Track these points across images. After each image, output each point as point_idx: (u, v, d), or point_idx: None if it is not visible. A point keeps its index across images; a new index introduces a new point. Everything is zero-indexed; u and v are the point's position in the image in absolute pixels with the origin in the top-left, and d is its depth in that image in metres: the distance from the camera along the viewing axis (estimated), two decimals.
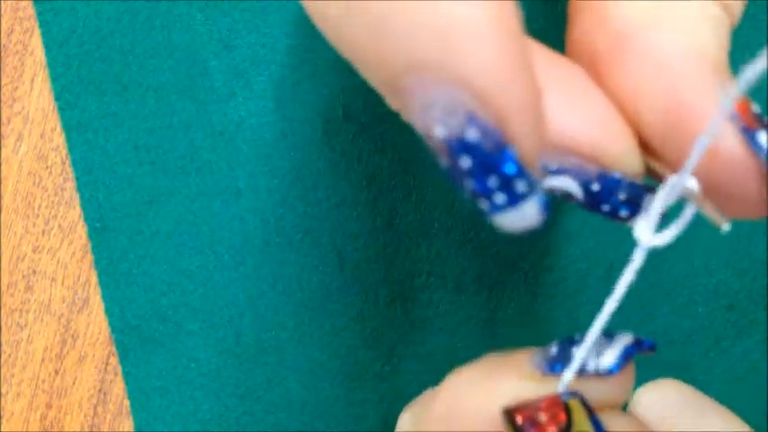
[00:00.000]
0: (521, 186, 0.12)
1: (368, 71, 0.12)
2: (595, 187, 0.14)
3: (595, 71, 0.15)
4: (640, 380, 0.26)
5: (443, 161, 0.12)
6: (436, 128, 0.11)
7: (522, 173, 0.12)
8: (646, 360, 0.26)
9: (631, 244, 0.26)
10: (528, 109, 0.11)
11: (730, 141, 0.13)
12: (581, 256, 0.26)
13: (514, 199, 0.12)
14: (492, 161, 0.11)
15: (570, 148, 0.14)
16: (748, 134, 0.13)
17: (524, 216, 0.12)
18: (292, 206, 0.26)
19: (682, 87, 0.14)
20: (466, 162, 0.11)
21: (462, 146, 0.11)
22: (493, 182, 0.12)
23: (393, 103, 0.13)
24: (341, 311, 0.26)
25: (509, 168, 0.11)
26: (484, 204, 0.12)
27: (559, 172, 0.14)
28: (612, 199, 0.14)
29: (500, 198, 0.12)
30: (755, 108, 0.14)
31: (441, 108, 0.11)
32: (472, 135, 0.11)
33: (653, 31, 0.14)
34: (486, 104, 0.11)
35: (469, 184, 0.12)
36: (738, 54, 0.26)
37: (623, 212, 0.14)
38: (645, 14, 0.14)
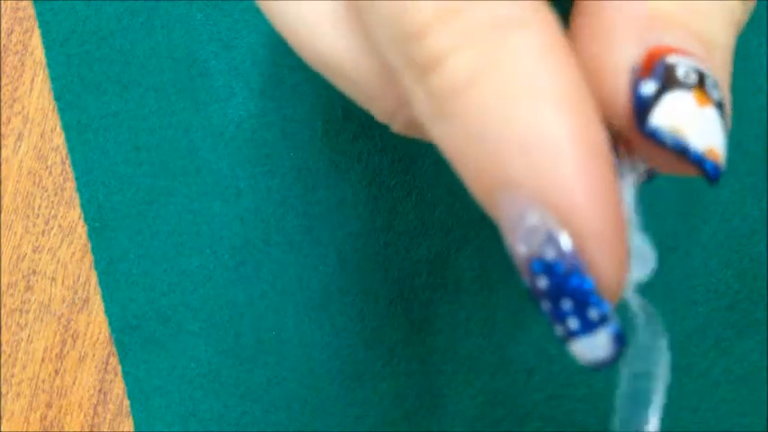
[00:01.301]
0: (593, 313, 0.12)
1: (466, 180, 0.13)
2: None
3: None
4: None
5: (526, 281, 0.12)
6: (518, 245, 0.12)
7: (595, 299, 0.12)
8: None
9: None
10: (606, 235, 0.11)
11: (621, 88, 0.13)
12: None
13: (588, 325, 0.12)
14: (566, 283, 0.12)
15: None
16: (637, 81, 0.13)
17: (595, 346, 0.12)
18: (292, 206, 0.26)
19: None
20: (543, 282, 0.12)
21: (540, 265, 0.11)
22: (567, 305, 0.12)
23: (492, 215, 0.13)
24: (341, 311, 0.26)
25: (582, 294, 0.11)
26: (559, 329, 0.12)
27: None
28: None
29: (573, 323, 0.12)
30: (672, 60, 0.13)
31: (525, 225, 0.11)
32: (550, 255, 0.11)
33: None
34: (564, 225, 0.11)
35: (545, 306, 0.12)
36: (738, 54, 0.26)
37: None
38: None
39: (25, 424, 0.26)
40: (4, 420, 0.26)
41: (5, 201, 0.27)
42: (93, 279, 0.27)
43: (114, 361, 0.26)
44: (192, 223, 0.26)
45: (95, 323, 0.27)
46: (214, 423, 0.26)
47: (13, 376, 0.26)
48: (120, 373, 0.26)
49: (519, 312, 0.26)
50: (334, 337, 0.26)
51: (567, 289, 0.12)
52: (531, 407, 0.26)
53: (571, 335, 0.12)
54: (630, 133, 0.13)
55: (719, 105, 0.13)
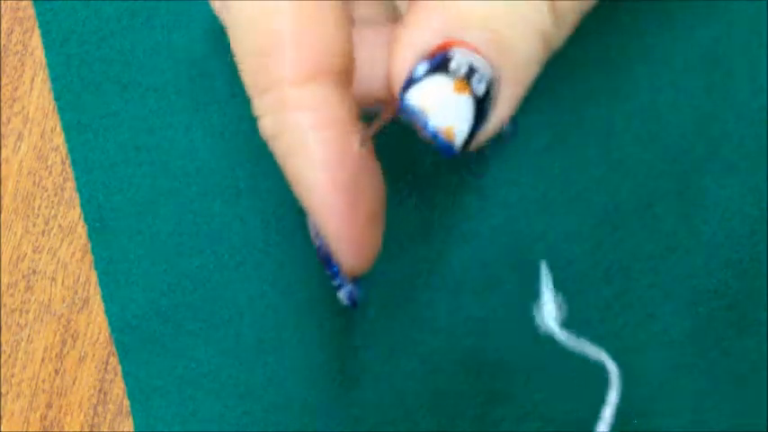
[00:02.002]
0: (336, 281, 0.19)
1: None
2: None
3: None
4: (641, 379, 0.26)
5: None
6: (313, 234, 0.19)
7: (336, 274, 0.19)
8: (646, 360, 0.26)
9: (631, 245, 0.27)
10: (340, 241, 0.17)
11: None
12: (581, 256, 0.26)
13: (338, 286, 0.19)
14: (327, 263, 0.19)
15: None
16: (416, 63, 0.16)
17: (342, 298, 0.19)
18: (292, 206, 0.26)
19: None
20: (320, 257, 0.19)
21: (318, 249, 0.19)
22: (330, 273, 0.19)
23: None
24: (341, 311, 0.26)
25: (331, 270, 0.19)
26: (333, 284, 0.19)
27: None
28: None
29: (334, 282, 0.19)
30: (452, 52, 0.16)
31: (313, 225, 0.18)
32: (319, 244, 0.18)
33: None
34: (322, 230, 0.17)
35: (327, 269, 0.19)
36: (738, 54, 0.26)
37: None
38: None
39: (25, 424, 0.26)
40: (4, 420, 0.26)
41: (5, 201, 0.27)
42: (93, 279, 0.27)
43: (114, 361, 0.26)
44: (192, 223, 0.26)
45: (95, 323, 0.27)
46: (214, 423, 0.26)
47: (13, 376, 0.26)
48: (120, 373, 0.26)
49: (519, 312, 0.26)
50: (334, 337, 0.26)
51: (327, 266, 0.18)
52: (531, 407, 0.26)
53: (335, 288, 0.19)
54: (395, 102, 0.16)
55: (481, 98, 0.16)
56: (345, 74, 0.17)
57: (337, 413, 0.26)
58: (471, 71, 0.16)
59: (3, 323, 0.27)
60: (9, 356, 0.26)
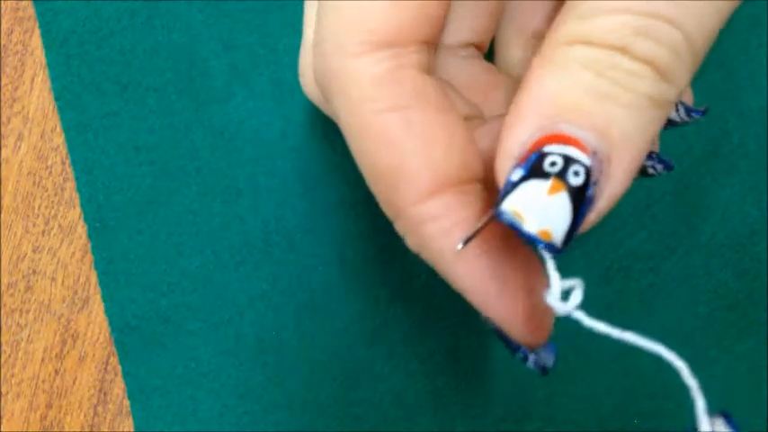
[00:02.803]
0: (520, 355, 0.19)
1: None
2: None
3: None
4: (641, 379, 0.26)
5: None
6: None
7: (518, 349, 0.19)
8: (646, 361, 0.26)
9: (631, 245, 0.27)
10: (509, 326, 0.17)
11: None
12: (581, 256, 0.26)
13: (524, 358, 0.19)
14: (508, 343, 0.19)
15: None
16: (513, 168, 0.16)
17: (531, 366, 0.19)
18: (292, 206, 0.26)
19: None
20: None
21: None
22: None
23: None
24: (341, 311, 0.26)
25: (512, 347, 0.19)
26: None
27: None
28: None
29: (519, 354, 0.19)
30: (548, 149, 0.16)
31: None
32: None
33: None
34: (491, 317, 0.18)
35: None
36: (738, 54, 0.26)
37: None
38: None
39: (25, 424, 0.26)
40: (4, 420, 0.26)
41: (5, 201, 0.27)
42: (93, 279, 0.27)
43: (114, 361, 0.26)
44: (192, 223, 0.26)
45: (95, 323, 0.27)
46: (214, 423, 0.26)
47: (13, 376, 0.26)
48: (120, 373, 0.26)
49: None
50: (334, 337, 0.26)
51: (506, 343, 0.18)
52: (532, 407, 0.26)
53: (521, 361, 0.19)
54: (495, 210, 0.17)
55: (577, 190, 0.16)
56: (469, 181, 0.18)
57: (337, 413, 0.26)
58: (567, 164, 0.15)
59: (3, 323, 0.27)
60: (9, 356, 0.26)
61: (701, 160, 0.26)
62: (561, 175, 0.15)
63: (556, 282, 0.17)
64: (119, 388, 0.26)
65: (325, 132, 0.26)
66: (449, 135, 0.17)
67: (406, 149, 0.17)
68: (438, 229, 0.17)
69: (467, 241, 0.17)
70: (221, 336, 0.26)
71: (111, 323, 0.26)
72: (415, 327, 0.26)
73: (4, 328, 0.27)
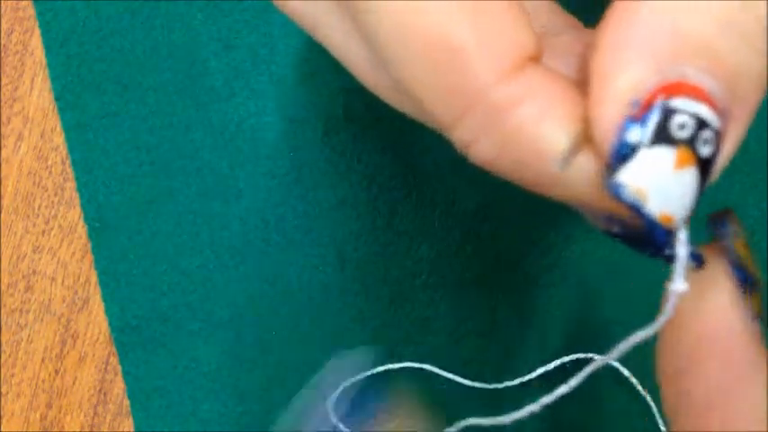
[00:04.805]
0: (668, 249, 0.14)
1: None
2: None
3: None
4: (642, 379, 0.26)
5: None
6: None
7: (662, 239, 0.14)
8: (645, 361, 0.26)
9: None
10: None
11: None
12: (581, 256, 0.26)
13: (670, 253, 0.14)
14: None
15: None
16: (627, 122, 0.12)
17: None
18: (292, 206, 0.26)
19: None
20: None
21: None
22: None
23: None
24: (341, 311, 0.26)
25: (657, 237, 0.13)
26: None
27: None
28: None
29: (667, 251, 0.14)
30: (675, 104, 0.12)
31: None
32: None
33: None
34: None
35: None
36: None
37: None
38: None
39: (25, 424, 0.26)
40: (4, 420, 0.26)
41: (5, 201, 0.27)
42: (93, 279, 0.26)
43: (114, 361, 0.26)
44: (192, 223, 0.26)
45: (95, 323, 0.26)
46: (214, 423, 0.26)
47: (13, 376, 0.26)
48: (120, 373, 0.26)
49: (519, 312, 0.26)
50: (334, 337, 0.26)
51: (648, 242, 0.14)
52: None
53: (669, 260, 0.14)
54: (600, 171, 0.13)
55: (705, 162, 0.12)
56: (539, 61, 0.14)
57: None
58: (698, 128, 0.12)
59: (3, 323, 0.27)
60: (9, 356, 0.26)
61: None
62: (691, 142, 0.12)
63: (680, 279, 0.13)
64: (119, 388, 0.26)
65: (326, 132, 0.26)
66: (517, 6, 0.13)
67: (476, 17, 0.13)
68: (530, 114, 0.13)
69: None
70: (221, 336, 0.26)
71: (111, 323, 0.26)
72: (415, 327, 0.26)
73: (4, 328, 0.27)
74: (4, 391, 0.26)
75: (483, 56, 0.13)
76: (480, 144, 0.13)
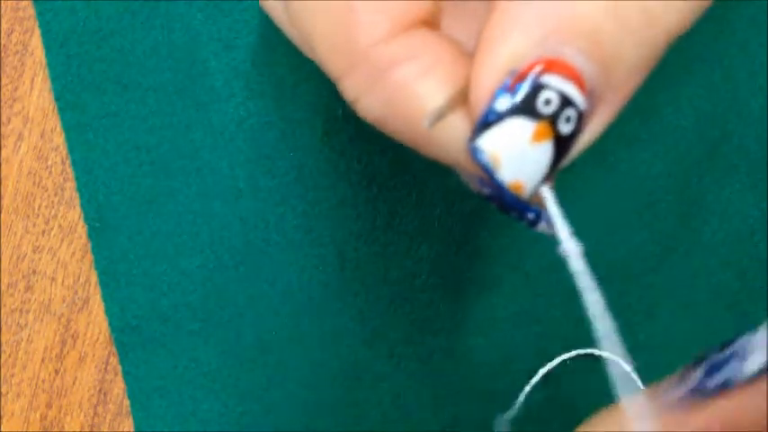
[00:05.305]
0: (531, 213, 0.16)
1: None
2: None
3: None
4: (642, 380, 0.26)
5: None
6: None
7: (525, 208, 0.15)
8: (645, 361, 0.26)
9: (631, 246, 0.26)
10: None
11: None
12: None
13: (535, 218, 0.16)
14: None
15: None
16: (500, 89, 0.13)
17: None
18: (292, 206, 0.26)
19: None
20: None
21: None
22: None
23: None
24: (341, 311, 0.26)
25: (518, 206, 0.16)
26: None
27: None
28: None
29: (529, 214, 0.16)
30: (546, 80, 0.13)
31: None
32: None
33: None
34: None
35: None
36: (738, 54, 0.26)
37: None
38: None
39: (25, 424, 0.26)
40: (4, 420, 0.26)
41: (5, 201, 0.27)
42: (93, 279, 0.27)
43: (114, 361, 0.26)
44: (192, 223, 0.26)
45: (95, 323, 0.27)
46: (214, 423, 0.26)
47: (13, 376, 0.26)
48: (120, 373, 0.26)
49: (519, 312, 0.26)
50: (334, 337, 0.26)
51: (512, 207, 0.15)
52: (532, 407, 0.26)
53: (532, 225, 0.16)
54: (468, 134, 0.14)
55: (565, 139, 0.13)
56: (434, 26, 0.14)
57: (337, 413, 0.26)
58: (562, 106, 0.13)
59: (3, 323, 0.27)
60: (9, 356, 0.26)
61: (701, 160, 0.26)
62: (553, 118, 0.13)
63: (566, 236, 0.15)
64: (119, 388, 0.26)
65: (326, 132, 0.26)
66: None
67: None
68: (410, 73, 0.13)
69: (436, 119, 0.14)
70: (221, 336, 0.26)
71: (111, 323, 0.26)
72: (415, 327, 0.26)
73: (4, 328, 0.27)
74: (4, 391, 0.26)
75: (370, 14, 0.13)
76: (366, 100, 0.14)
